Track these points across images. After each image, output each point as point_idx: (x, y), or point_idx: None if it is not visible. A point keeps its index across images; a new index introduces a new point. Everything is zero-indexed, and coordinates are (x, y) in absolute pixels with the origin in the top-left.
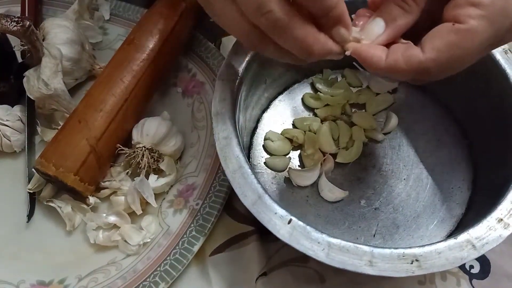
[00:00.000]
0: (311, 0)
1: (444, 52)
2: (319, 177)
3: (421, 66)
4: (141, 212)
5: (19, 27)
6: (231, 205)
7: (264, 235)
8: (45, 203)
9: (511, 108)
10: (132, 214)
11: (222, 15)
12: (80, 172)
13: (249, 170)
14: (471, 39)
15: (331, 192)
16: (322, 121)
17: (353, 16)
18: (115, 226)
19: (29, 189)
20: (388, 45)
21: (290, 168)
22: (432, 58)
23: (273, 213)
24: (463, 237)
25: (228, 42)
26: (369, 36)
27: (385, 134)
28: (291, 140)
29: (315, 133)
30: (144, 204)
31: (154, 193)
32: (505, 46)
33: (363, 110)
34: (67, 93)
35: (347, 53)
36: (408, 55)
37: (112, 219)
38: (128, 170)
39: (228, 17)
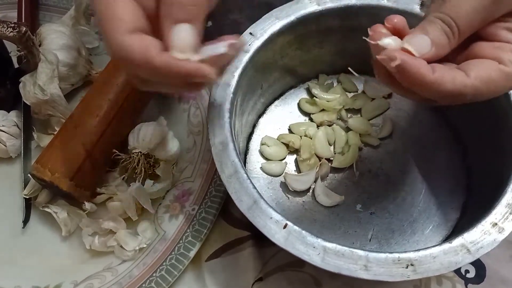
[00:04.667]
0: None
1: (485, 83)
2: (315, 182)
3: (463, 89)
4: (137, 218)
5: (15, 33)
6: (227, 210)
7: (260, 240)
8: (41, 208)
9: (504, 112)
10: (128, 219)
11: None
12: (76, 177)
13: (245, 175)
14: (507, 80)
15: (327, 196)
16: (318, 126)
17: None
18: (111, 232)
19: (25, 195)
20: None
21: (286, 173)
22: (475, 85)
23: (268, 218)
24: (458, 241)
25: None
26: (415, 46)
27: (380, 139)
28: (287, 145)
29: (311, 138)
30: (140, 209)
31: (150, 199)
32: None
33: (359, 115)
34: (63, 99)
35: (394, 63)
36: (454, 75)
37: (108, 224)
38: (124, 176)
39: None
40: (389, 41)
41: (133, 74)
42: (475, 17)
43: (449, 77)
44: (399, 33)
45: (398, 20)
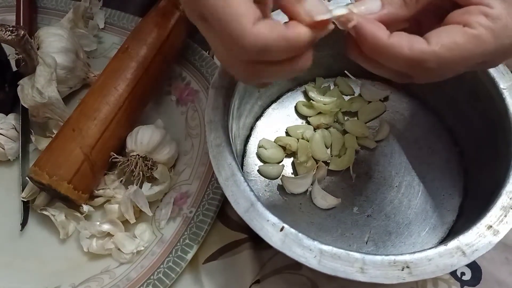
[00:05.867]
0: None
1: (448, 49)
2: (312, 184)
3: (422, 56)
4: (135, 221)
5: (13, 36)
6: (224, 212)
7: (257, 242)
8: (39, 211)
9: (500, 115)
10: (125, 222)
11: (213, 48)
12: (74, 180)
13: (242, 178)
14: (476, 44)
15: (324, 199)
16: (315, 129)
17: None
18: (108, 234)
19: (22, 198)
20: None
21: (283, 175)
22: (436, 51)
23: (265, 221)
24: (453, 244)
25: None
26: (362, 10)
27: (377, 141)
28: (284, 148)
29: (308, 141)
30: (138, 212)
31: (148, 201)
32: None
33: (356, 118)
34: (61, 102)
35: (350, 25)
36: (413, 41)
37: (106, 227)
38: (122, 178)
39: (217, 50)
40: (342, 9)
41: (270, 68)
42: None
43: (406, 42)
44: None
45: None
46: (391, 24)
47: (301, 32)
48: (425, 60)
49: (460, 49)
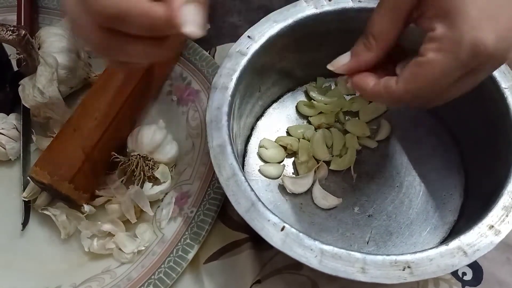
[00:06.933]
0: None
1: (411, 82)
2: (313, 184)
3: (395, 95)
4: (136, 220)
5: (14, 36)
6: (225, 212)
7: (258, 242)
8: (40, 211)
9: (501, 115)
10: (126, 222)
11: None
12: (75, 180)
13: (243, 178)
14: (430, 69)
15: (324, 199)
16: (316, 128)
17: None
18: (109, 234)
19: (24, 197)
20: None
21: (284, 175)
22: (402, 88)
23: (266, 220)
24: (454, 244)
25: (223, 50)
26: (335, 64)
27: (378, 141)
28: (285, 148)
29: (309, 141)
30: (139, 212)
31: (149, 201)
32: None
33: (357, 118)
34: (62, 101)
35: (348, 85)
36: (386, 85)
37: (107, 227)
38: (123, 178)
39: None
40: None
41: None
42: (381, 19)
43: (383, 87)
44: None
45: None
46: (367, 67)
47: (162, 16)
48: (399, 97)
49: (420, 78)
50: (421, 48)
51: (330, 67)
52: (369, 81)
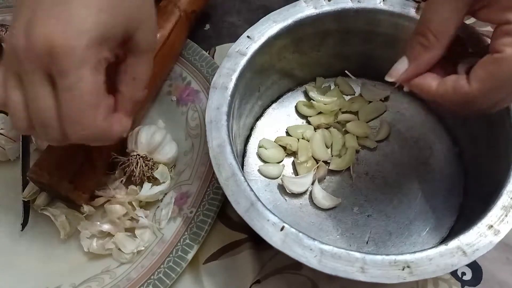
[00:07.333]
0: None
1: (487, 81)
2: (312, 184)
3: (468, 96)
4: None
5: None
6: (225, 212)
7: (258, 242)
8: (40, 211)
9: (501, 114)
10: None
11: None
12: (75, 180)
13: (242, 178)
14: (508, 66)
15: (324, 199)
16: (315, 128)
17: None
18: (109, 234)
19: (23, 198)
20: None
21: (283, 175)
22: (477, 88)
23: (265, 220)
24: (454, 243)
25: (222, 50)
26: (393, 74)
27: (377, 141)
28: (284, 148)
29: (308, 141)
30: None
31: (148, 201)
32: None
33: (356, 118)
34: None
35: (405, 89)
36: (456, 85)
37: (106, 227)
38: (122, 178)
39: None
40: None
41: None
42: (440, 12)
43: (452, 88)
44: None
45: None
46: (427, 69)
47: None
48: (472, 99)
49: (496, 77)
50: (494, 44)
51: (389, 78)
52: (431, 81)
